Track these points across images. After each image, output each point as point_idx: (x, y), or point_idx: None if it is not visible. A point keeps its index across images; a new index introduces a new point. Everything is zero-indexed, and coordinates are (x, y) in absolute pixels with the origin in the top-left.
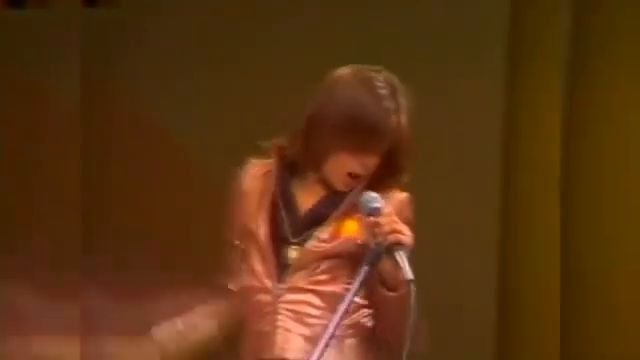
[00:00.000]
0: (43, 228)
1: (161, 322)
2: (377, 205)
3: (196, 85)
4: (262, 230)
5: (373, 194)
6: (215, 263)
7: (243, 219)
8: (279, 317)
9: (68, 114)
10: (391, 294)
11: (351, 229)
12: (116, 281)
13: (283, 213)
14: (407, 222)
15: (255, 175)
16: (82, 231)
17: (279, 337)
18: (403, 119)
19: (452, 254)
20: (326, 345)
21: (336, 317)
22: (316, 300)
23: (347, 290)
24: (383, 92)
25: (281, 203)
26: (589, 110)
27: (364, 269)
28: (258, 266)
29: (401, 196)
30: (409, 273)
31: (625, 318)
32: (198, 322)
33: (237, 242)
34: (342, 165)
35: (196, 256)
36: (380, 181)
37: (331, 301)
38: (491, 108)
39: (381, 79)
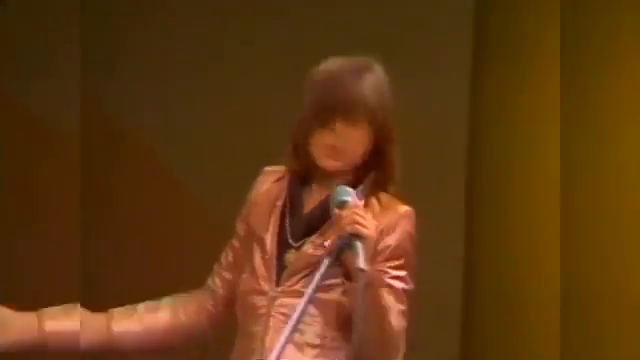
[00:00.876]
0: (43, 229)
1: None
2: (345, 198)
3: (196, 85)
4: (269, 234)
5: (346, 188)
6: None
7: (253, 225)
8: (271, 319)
9: (67, 115)
10: (351, 285)
11: None
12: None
13: (288, 217)
14: (408, 236)
15: (268, 182)
16: (82, 232)
17: (268, 339)
18: (367, 89)
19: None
20: (287, 340)
21: (297, 311)
22: (309, 305)
23: (341, 297)
24: (353, 65)
25: (288, 208)
26: (553, 111)
27: (325, 261)
28: (260, 269)
29: (401, 209)
30: (362, 262)
31: None
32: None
33: (236, 244)
34: (319, 139)
35: (196, 258)
36: (372, 181)
37: (324, 308)
38: (456, 108)
39: (356, 59)
